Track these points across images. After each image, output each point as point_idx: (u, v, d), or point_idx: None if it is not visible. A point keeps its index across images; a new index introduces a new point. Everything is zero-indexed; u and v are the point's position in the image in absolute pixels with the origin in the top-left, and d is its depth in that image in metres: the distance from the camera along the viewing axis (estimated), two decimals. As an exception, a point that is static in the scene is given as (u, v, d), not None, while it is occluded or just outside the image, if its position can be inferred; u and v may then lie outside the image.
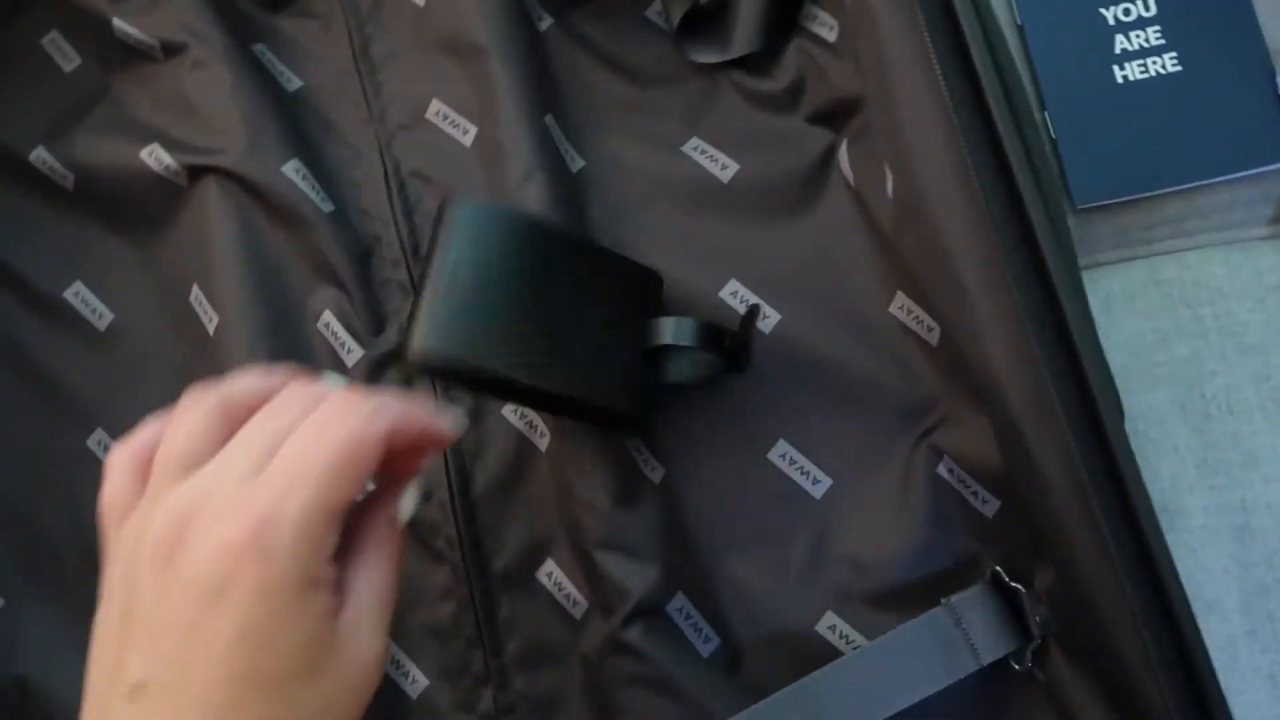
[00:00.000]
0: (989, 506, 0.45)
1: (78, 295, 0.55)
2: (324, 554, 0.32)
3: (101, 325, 0.54)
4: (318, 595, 0.32)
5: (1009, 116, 0.36)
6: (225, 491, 0.31)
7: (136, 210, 0.54)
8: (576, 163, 0.53)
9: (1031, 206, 0.35)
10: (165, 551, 0.31)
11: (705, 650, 0.46)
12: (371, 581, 0.35)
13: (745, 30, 0.52)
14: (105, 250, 0.55)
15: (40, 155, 0.55)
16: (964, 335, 0.39)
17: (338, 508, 0.32)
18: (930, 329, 0.47)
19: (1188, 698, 0.35)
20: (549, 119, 0.52)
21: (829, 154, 0.51)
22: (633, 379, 0.44)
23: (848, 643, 0.46)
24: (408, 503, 0.37)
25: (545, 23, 0.55)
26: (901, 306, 0.48)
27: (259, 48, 0.56)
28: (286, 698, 0.31)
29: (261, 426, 0.33)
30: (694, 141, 0.53)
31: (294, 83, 0.56)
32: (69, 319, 0.54)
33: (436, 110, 0.55)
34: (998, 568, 0.44)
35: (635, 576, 0.45)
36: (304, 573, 0.31)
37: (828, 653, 0.46)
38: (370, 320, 0.51)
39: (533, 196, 0.50)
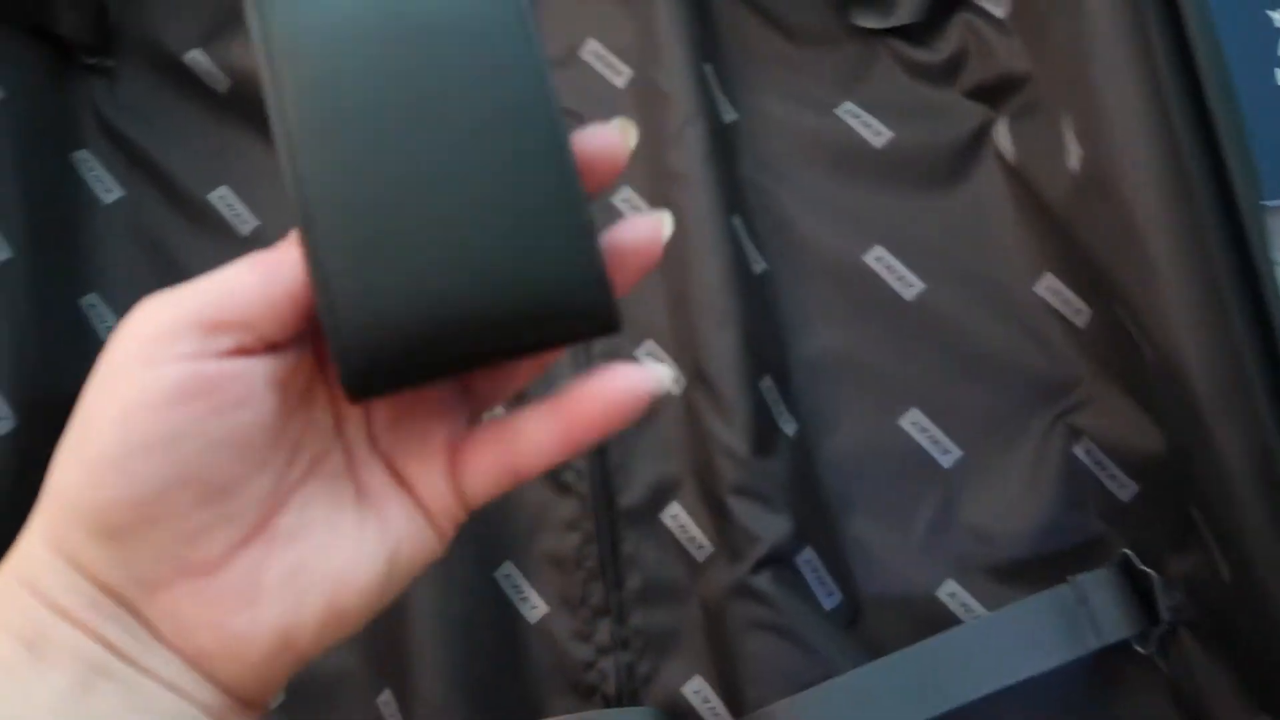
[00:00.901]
0: (1126, 490, 0.45)
1: (223, 199, 0.55)
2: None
3: (245, 230, 0.55)
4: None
5: (1222, 96, 0.36)
6: None
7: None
8: (729, 114, 0.53)
9: (1239, 187, 0.35)
10: None
11: (828, 604, 0.47)
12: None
13: (912, -1, 0.52)
14: (254, 156, 0.55)
15: (195, 57, 0.56)
16: (1144, 314, 0.40)
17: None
18: (1078, 311, 0.47)
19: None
20: (708, 68, 0.53)
21: (984, 129, 0.52)
22: (581, 241, 0.26)
23: (967, 611, 0.46)
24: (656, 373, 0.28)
25: (711, -28, 0.55)
26: (1049, 286, 0.49)
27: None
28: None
29: None
30: (848, 105, 0.53)
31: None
32: (213, 221, 0.55)
33: (592, 50, 0.55)
34: (1128, 551, 0.44)
35: (767, 525, 0.46)
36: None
37: (947, 619, 0.46)
38: None
39: (690, 140, 0.50)
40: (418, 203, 0.25)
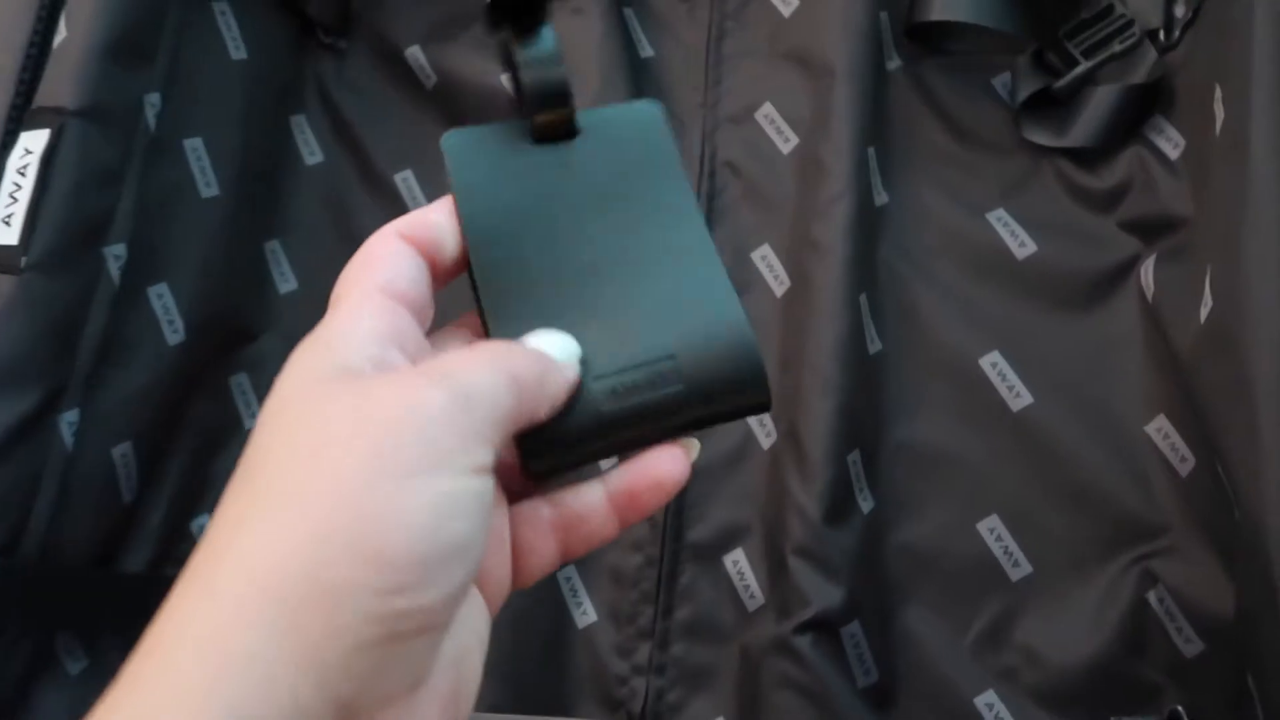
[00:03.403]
0: (1191, 647, 0.44)
1: (405, 181, 0.61)
2: None
3: (418, 212, 0.60)
4: None
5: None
6: None
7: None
8: (881, 197, 0.55)
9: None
10: None
11: (862, 681, 0.47)
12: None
13: (1087, 124, 0.53)
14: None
15: (414, 53, 0.62)
16: (1240, 479, 0.39)
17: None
18: (1184, 459, 0.47)
19: None
20: (870, 151, 0.55)
21: (1131, 263, 0.52)
22: (732, 323, 0.29)
23: (1001, 727, 0.46)
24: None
25: (894, 63, 0.57)
26: (1160, 429, 0.48)
27: (629, 11, 0.61)
28: None
29: None
30: (1000, 212, 0.54)
31: (647, 50, 0.61)
32: (392, 198, 0.60)
33: (766, 114, 0.58)
34: (1180, 708, 0.43)
35: (821, 590, 0.47)
36: None
37: (979, 728, 0.46)
38: None
39: (837, 215, 0.52)
40: (571, 296, 0.29)
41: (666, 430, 0.28)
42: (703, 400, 0.28)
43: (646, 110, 0.32)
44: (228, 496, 0.22)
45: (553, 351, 0.27)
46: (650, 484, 0.27)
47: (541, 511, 0.28)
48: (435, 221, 0.28)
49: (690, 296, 0.29)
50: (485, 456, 0.23)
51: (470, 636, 0.25)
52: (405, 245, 0.27)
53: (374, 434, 0.22)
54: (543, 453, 0.27)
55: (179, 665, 0.20)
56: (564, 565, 0.29)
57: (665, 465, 0.28)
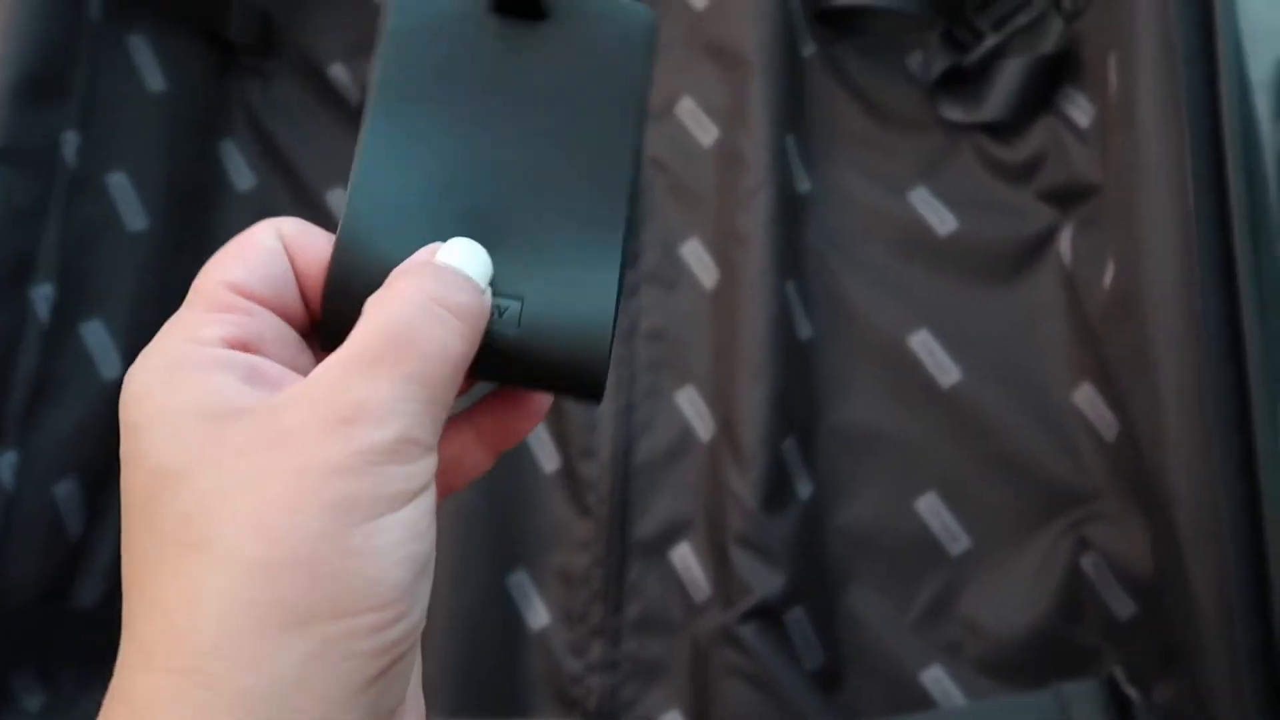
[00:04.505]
0: (1124, 609, 0.45)
1: (337, 199, 0.61)
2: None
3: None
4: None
5: (1249, 241, 0.36)
6: None
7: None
8: (804, 184, 0.56)
9: (1250, 333, 0.36)
10: None
11: (810, 664, 0.48)
12: None
13: (999, 97, 0.53)
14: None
15: (337, 71, 0.62)
16: (1146, 439, 0.40)
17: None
18: (1109, 425, 0.47)
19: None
20: (790, 139, 0.55)
21: (1050, 233, 0.52)
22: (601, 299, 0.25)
23: (947, 698, 0.47)
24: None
25: (809, 49, 0.58)
26: (1085, 397, 0.49)
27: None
28: None
29: None
30: (921, 191, 0.55)
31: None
32: (326, 217, 0.61)
33: (687, 108, 0.58)
34: (1117, 669, 0.44)
35: (762, 579, 0.48)
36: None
37: (926, 702, 0.47)
38: None
39: (759, 205, 0.53)
40: (460, 194, 0.26)
41: (497, 372, 0.25)
42: (533, 357, 0.25)
43: (639, 16, 0.27)
44: (155, 566, 0.21)
45: (464, 270, 0.24)
46: (512, 430, 0.26)
47: None
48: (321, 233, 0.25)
49: (574, 246, 0.25)
50: (432, 465, 0.22)
51: None
52: (275, 243, 0.24)
53: (323, 489, 0.20)
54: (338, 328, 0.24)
55: None
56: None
57: (522, 415, 0.26)
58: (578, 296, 0.25)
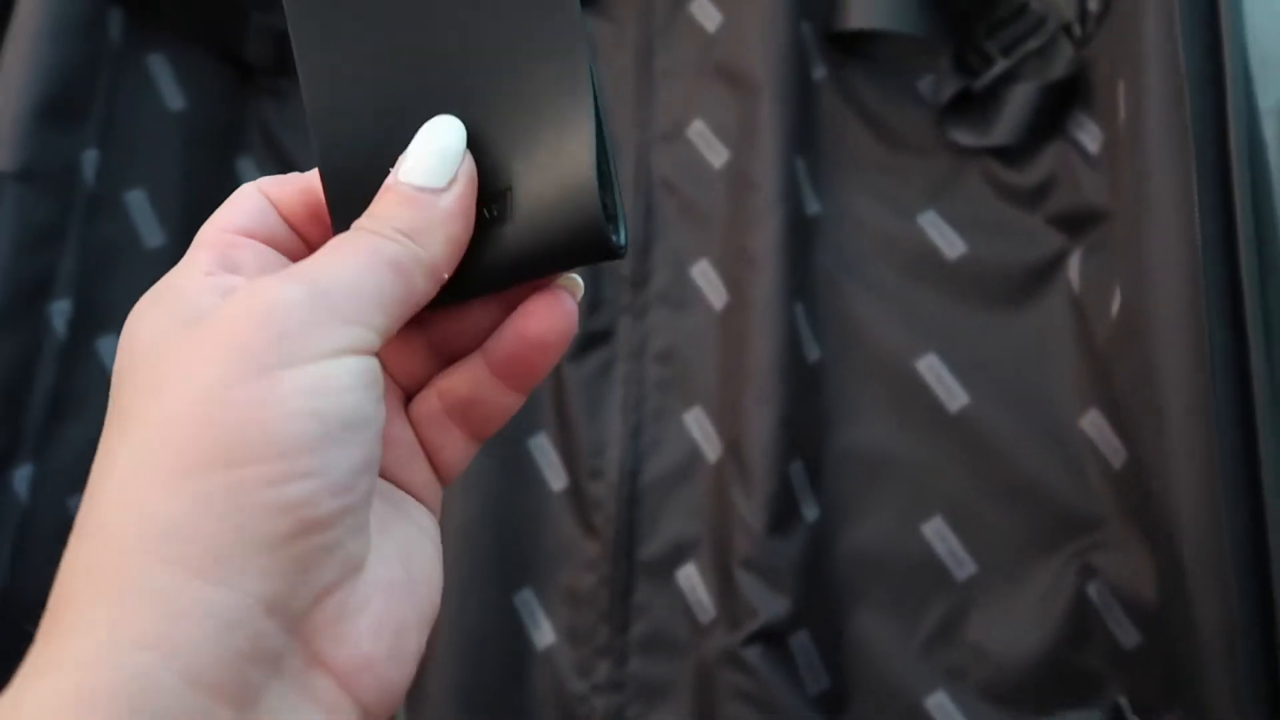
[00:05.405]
0: (1129, 638, 0.45)
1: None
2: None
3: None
4: None
5: (1256, 271, 0.36)
6: None
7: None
8: (813, 206, 0.56)
9: (1256, 363, 0.36)
10: None
11: (813, 688, 0.48)
12: None
13: (1009, 122, 0.53)
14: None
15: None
16: (1152, 466, 0.40)
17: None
18: (1117, 451, 0.47)
19: None
20: (799, 161, 0.55)
21: (1059, 258, 0.52)
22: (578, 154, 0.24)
23: (952, 725, 0.47)
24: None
25: (820, 72, 0.58)
26: (1093, 423, 0.49)
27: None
28: None
29: None
30: (930, 214, 0.55)
31: (580, 75, 0.61)
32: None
33: (698, 130, 0.59)
34: (1122, 698, 0.44)
35: (768, 601, 0.48)
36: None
37: (930, 728, 0.47)
38: (584, 303, 0.56)
39: (769, 227, 0.53)
40: (414, 90, 0.25)
41: (504, 275, 0.25)
42: (536, 239, 0.24)
43: None
44: (100, 450, 0.22)
45: (436, 167, 0.24)
46: (532, 346, 0.25)
47: (432, 404, 0.27)
48: (299, 176, 0.27)
49: (544, 113, 0.24)
50: (354, 338, 0.22)
51: (410, 528, 0.25)
52: (255, 192, 0.26)
53: (225, 339, 0.21)
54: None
55: (86, 618, 0.19)
56: (479, 446, 0.27)
57: (544, 323, 0.25)
58: (559, 156, 0.24)
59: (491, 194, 0.25)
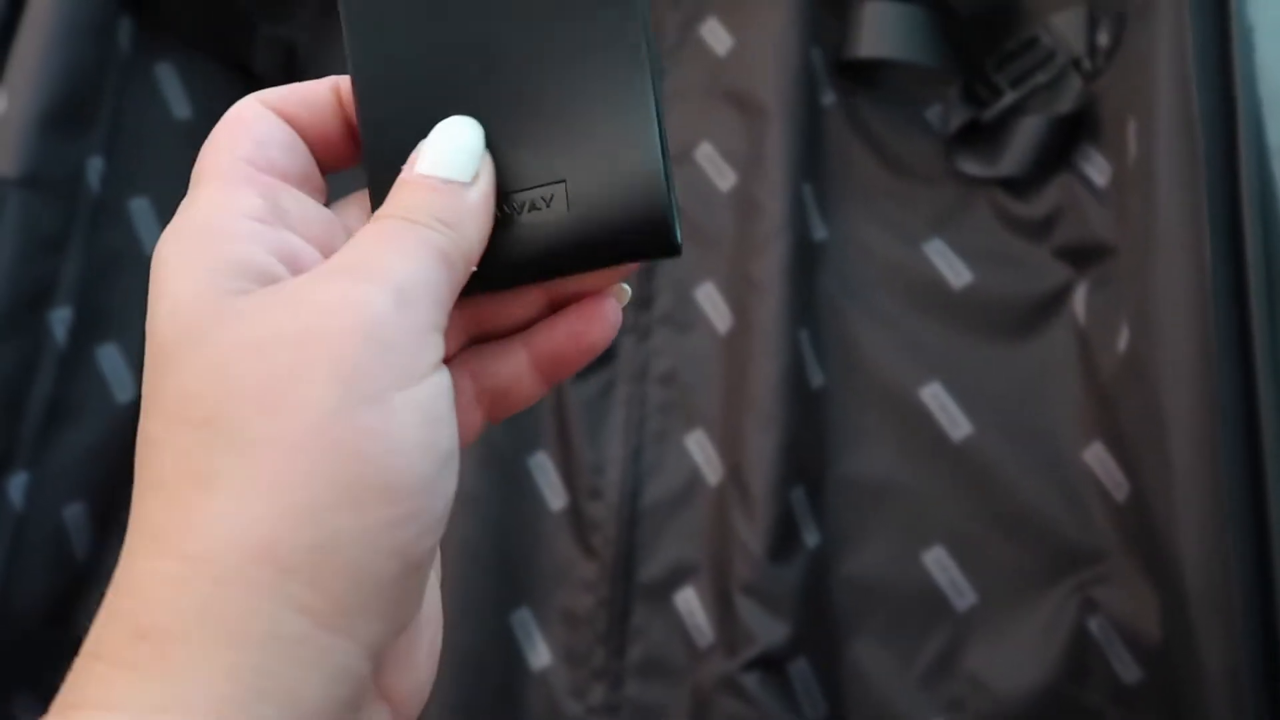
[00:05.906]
0: (1130, 674, 0.45)
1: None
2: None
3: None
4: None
5: (1266, 313, 0.37)
6: None
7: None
8: (820, 232, 0.56)
9: (1266, 409, 0.36)
10: None
11: (811, 716, 0.48)
12: None
13: (1017, 153, 0.53)
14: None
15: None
16: (1156, 504, 0.40)
17: None
18: (1120, 485, 0.47)
19: None
20: (807, 187, 0.55)
21: (1064, 290, 0.52)
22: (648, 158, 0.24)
23: (950, 757, 0.47)
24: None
25: (829, 98, 0.58)
26: (1097, 456, 0.49)
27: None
28: None
29: None
30: (936, 243, 0.55)
31: (588, 95, 0.62)
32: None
33: (705, 153, 0.59)
34: (1121, 736, 0.44)
35: (767, 628, 0.48)
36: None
37: (928, 759, 0.47)
38: None
39: (774, 252, 0.53)
40: (464, 80, 0.25)
41: (553, 266, 0.24)
42: (592, 232, 0.24)
43: None
44: (161, 447, 0.20)
45: (454, 159, 0.23)
46: (581, 348, 0.25)
47: (464, 384, 0.25)
48: (312, 89, 0.25)
49: (602, 112, 0.24)
50: (440, 347, 0.21)
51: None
52: (270, 113, 0.24)
53: (329, 355, 0.19)
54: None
55: (202, 661, 0.18)
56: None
57: (597, 326, 0.25)
58: (622, 156, 0.24)
59: (540, 186, 0.24)
